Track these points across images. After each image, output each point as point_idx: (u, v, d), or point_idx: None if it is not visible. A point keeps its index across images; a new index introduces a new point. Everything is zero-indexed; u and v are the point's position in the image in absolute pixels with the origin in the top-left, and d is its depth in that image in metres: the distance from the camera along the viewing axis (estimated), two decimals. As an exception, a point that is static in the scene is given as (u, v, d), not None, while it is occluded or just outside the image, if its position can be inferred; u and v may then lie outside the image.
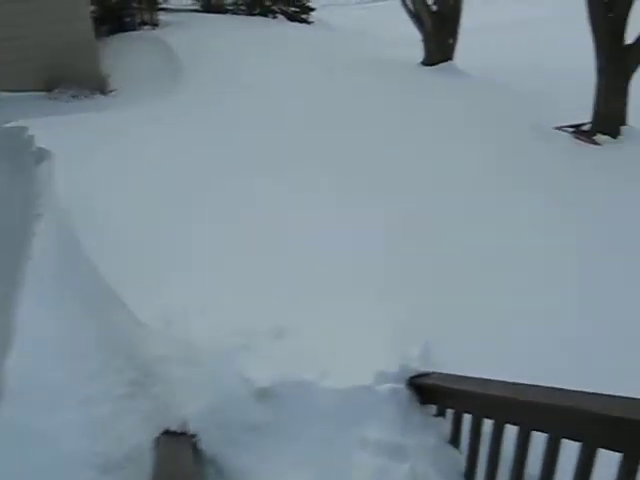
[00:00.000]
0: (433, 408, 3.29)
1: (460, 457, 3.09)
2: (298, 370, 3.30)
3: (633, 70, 8.03)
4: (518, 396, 2.52)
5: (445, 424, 3.21)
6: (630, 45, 7.94)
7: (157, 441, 3.13)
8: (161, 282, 4.23)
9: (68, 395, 3.64)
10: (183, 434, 3.12)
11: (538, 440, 2.40)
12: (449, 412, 3.19)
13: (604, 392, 2.10)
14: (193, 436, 3.10)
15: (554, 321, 4.13)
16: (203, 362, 3.45)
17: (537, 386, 2.46)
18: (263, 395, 3.20)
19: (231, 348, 3.49)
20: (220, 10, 15.52)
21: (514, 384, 2.60)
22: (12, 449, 3.27)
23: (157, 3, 14.36)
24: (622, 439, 1.99)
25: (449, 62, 11.40)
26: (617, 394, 2.05)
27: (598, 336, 4.00)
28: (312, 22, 16.33)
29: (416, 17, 11.68)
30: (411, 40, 11.61)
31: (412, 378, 3.28)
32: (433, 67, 11.14)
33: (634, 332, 4.00)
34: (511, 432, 2.58)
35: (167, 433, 3.15)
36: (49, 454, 3.27)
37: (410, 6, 11.77)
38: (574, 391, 2.24)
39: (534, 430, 2.47)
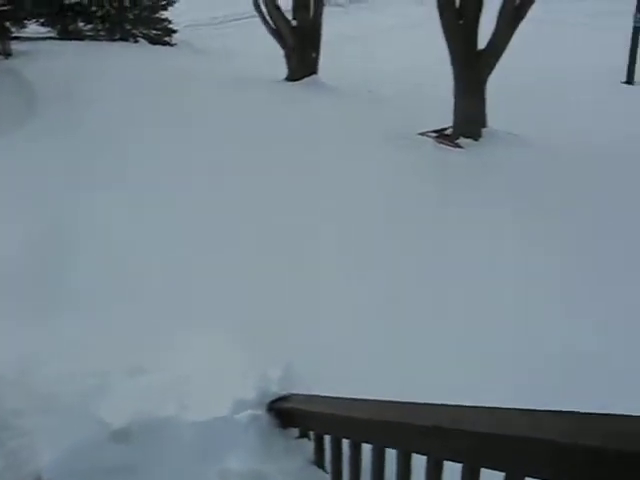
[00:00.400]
0: (295, 431, 3.26)
1: (326, 477, 3.08)
2: (155, 406, 3.22)
3: (487, 74, 8.38)
4: (373, 416, 2.51)
5: (309, 446, 3.19)
6: (482, 50, 8.28)
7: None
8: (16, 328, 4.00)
9: None
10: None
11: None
12: (312, 433, 3.17)
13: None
14: (47, 484, 2.94)
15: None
16: (58, 409, 3.29)
17: (393, 403, 2.46)
18: (120, 436, 3.09)
19: (86, 391, 3.36)
20: (79, 37, 14.88)
21: (370, 402, 2.59)
22: None
23: (9, 31, 13.38)
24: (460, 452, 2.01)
25: (313, 76, 11.42)
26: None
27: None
28: (175, 44, 16.03)
29: (277, 33, 11.68)
30: (277, 57, 11.58)
31: (272, 402, 3.24)
32: (297, 82, 11.12)
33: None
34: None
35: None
36: None
37: (270, 22, 11.74)
38: (432, 406, 2.24)
39: (387, 447, 2.48)
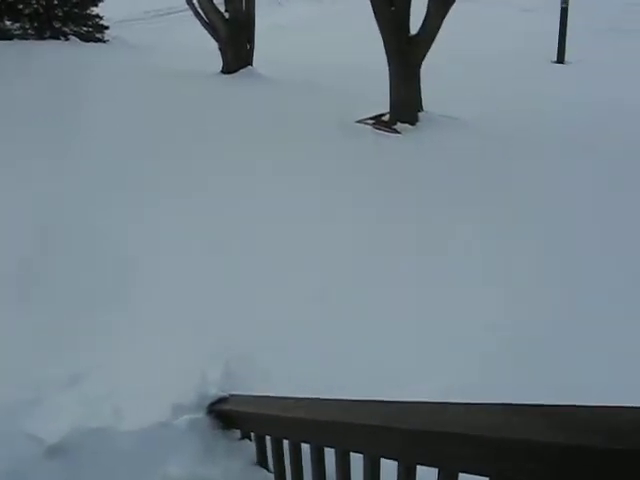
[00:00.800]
0: (237, 432, 3.23)
1: (270, 477, 3.05)
2: (92, 417, 3.13)
3: (420, 59, 8.41)
4: (309, 415, 2.48)
5: (251, 447, 3.16)
6: (414, 36, 8.31)
7: None
8: None
9: None
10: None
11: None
12: (253, 434, 3.13)
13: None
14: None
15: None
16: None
17: (330, 401, 2.44)
18: (55, 452, 2.99)
19: (18, 405, 3.23)
20: (6, 36, 14.30)
21: (308, 401, 2.56)
22: None
23: None
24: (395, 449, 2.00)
25: (249, 68, 11.29)
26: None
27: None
28: (108, 40, 15.56)
29: (209, 26, 11.50)
30: (212, 50, 11.39)
31: (212, 404, 3.20)
32: (233, 74, 10.98)
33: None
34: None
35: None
36: None
37: (203, 15, 11.54)
38: (367, 403, 2.22)
39: (328, 447, 2.46)
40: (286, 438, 2.75)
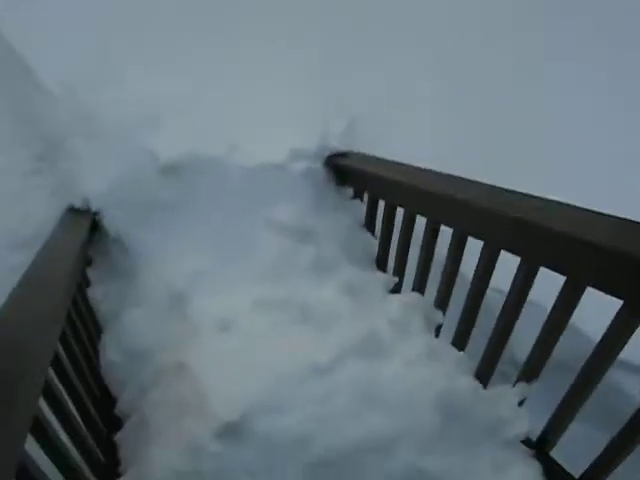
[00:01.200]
0: (350, 190, 3.11)
1: (374, 242, 2.97)
2: (207, 145, 3.05)
3: None
4: (428, 187, 2.30)
5: (361, 208, 3.05)
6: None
7: (61, 218, 2.94)
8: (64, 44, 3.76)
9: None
10: (86, 211, 2.92)
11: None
12: (366, 195, 3.01)
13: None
14: (95, 213, 2.91)
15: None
16: (108, 136, 3.17)
17: (458, 178, 2.25)
18: (169, 171, 2.97)
19: (137, 122, 3.19)
20: None
21: (435, 173, 2.38)
22: None
23: None
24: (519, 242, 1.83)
25: None
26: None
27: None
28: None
29: None
30: None
31: (330, 157, 3.06)
32: None
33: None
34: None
35: (71, 210, 2.96)
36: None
37: None
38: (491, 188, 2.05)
39: (442, 224, 2.31)
40: (401, 206, 2.61)
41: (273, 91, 3.50)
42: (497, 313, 2.08)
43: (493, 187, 2.04)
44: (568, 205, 1.77)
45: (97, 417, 2.16)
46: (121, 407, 2.35)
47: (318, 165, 3.04)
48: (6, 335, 1.53)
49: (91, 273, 2.86)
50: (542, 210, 1.80)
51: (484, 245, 2.06)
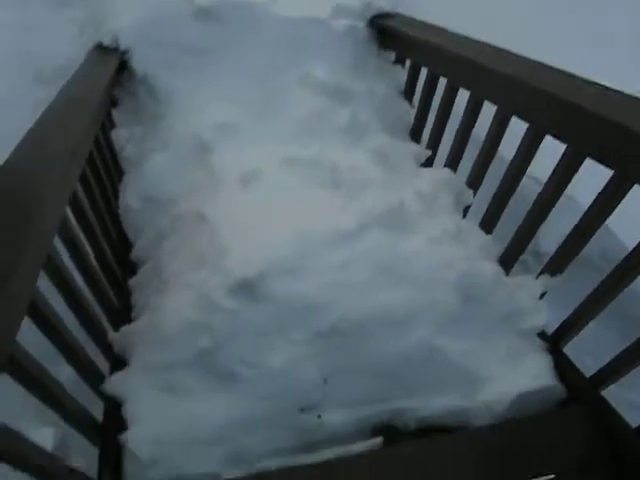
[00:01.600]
0: (392, 55, 2.95)
1: (410, 111, 2.85)
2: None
3: None
4: (474, 58, 2.14)
5: (402, 74, 2.90)
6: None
7: (88, 54, 2.82)
8: None
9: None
10: (115, 49, 2.80)
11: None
12: (409, 62, 2.85)
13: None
14: (124, 52, 2.79)
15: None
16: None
17: (508, 53, 2.09)
18: (205, 14, 2.81)
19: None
20: None
21: (486, 45, 2.20)
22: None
23: None
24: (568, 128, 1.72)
25: None
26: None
27: None
28: None
29: None
30: None
31: (375, 17, 2.87)
32: None
33: None
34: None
35: (99, 47, 2.83)
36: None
37: None
38: (543, 66, 1.89)
39: (485, 99, 2.17)
40: (444, 76, 2.46)
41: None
42: (530, 202, 1.99)
43: (550, 68, 1.89)
44: (629, 96, 1.63)
45: (112, 260, 2.15)
46: (137, 252, 2.34)
47: (361, 24, 2.86)
48: (23, 170, 1.48)
49: (116, 114, 2.77)
50: (599, 97, 1.66)
51: (528, 127, 1.94)
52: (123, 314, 2.09)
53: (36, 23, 3.31)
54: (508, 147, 2.10)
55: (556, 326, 2.01)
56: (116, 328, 1.99)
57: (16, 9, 3.32)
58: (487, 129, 2.16)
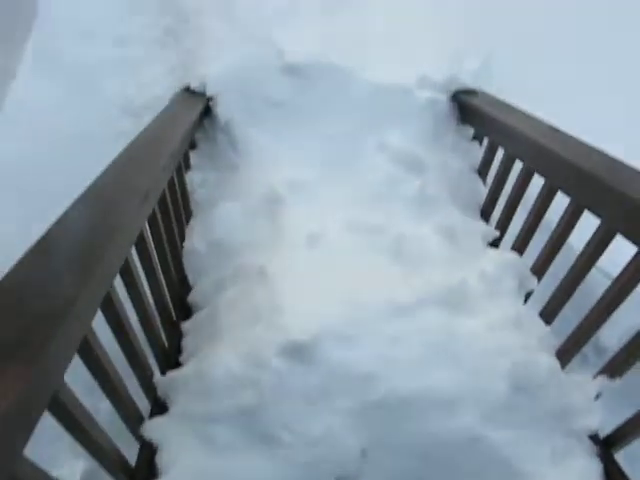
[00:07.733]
0: (471, 131, 2.95)
1: (483, 190, 2.84)
2: (336, 54, 2.94)
3: None
4: (552, 147, 2.13)
5: (479, 151, 2.90)
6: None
7: (176, 95, 2.93)
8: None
9: (101, 34, 3.45)
10: (201, 94, 2.90)
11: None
12: (486, 140, 2.85)
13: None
14: (210, 98, 2.89)
15: None
16: (239, 21, 3.12)
17: (579, 143, 2.08)
18: (293, 71, 2.90)
19: (272, 12, 3.12)
20: None
21: (563, 134, 2.20)
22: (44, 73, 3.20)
23: None
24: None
25: None
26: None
27: None
28: None
29: None
30: None
31: (457, 93, 2.90)
32: None
33: None
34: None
35: (187, 90, 2.94)
36: (82, 80, 3.20)
37: None
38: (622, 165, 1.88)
39: (559, 189, 2.15)
40: (521, 160, 2.44)
41: (412, 15, 3.32)
42: (595, 296, 1.94)
43: (622, 164, 1.87)
44: None
45: (169, 300, 2.17)
46: (195, 296, 2.36)
47: (444, 97, 2.89)
48: (96, 208, 1.52)
49: (193, 157, 2.85)
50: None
51: (601, 222, 1.90)
52: (172, 356, 2.10)
53: (131, 56, 3.45)
54: (579, 237, 2.06)
55: (611, 429, 1.93)
56: (163, 368, 1.99)
57: (116, 45, 3.48)
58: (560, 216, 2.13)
